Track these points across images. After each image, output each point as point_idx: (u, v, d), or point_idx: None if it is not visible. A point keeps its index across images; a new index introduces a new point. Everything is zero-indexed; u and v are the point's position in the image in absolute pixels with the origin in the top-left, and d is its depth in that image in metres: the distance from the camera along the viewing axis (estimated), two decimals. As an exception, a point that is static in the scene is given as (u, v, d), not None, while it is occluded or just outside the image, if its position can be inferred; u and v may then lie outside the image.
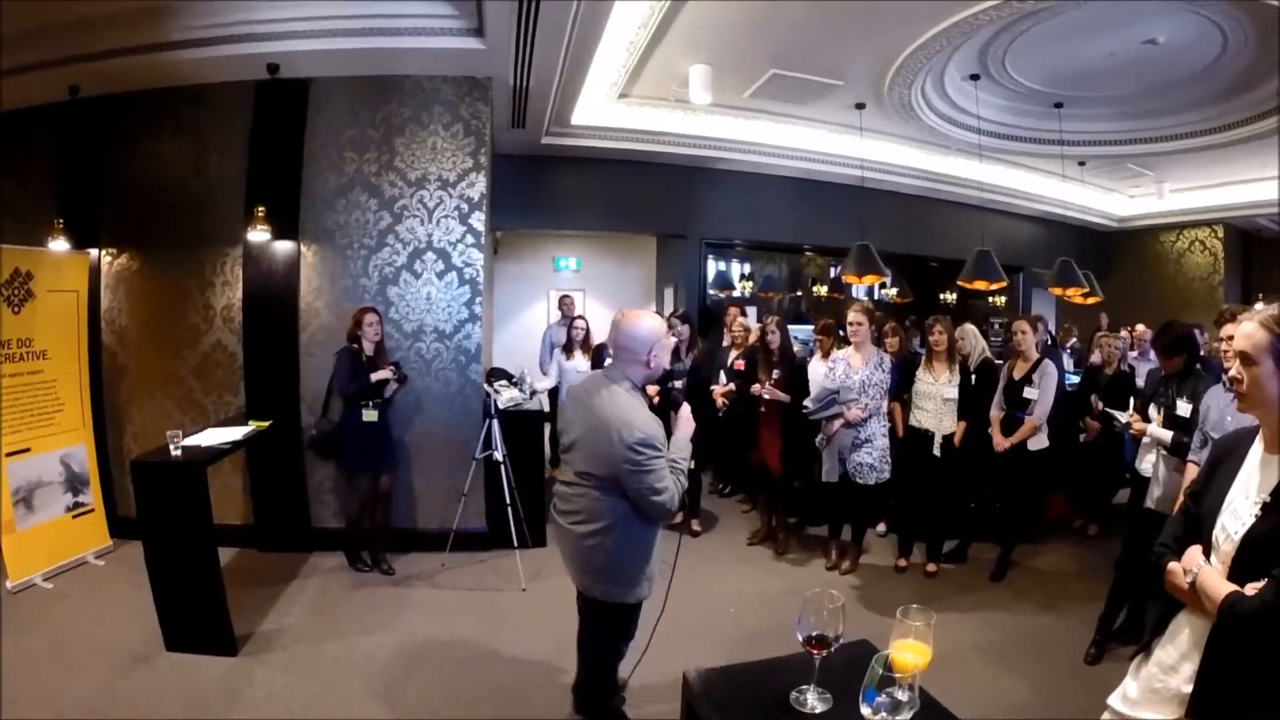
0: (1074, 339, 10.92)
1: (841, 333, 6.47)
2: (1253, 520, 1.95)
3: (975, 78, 7.62)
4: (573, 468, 3.32)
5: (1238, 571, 1.93)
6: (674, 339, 3.34)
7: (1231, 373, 2.08)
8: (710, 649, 4.67)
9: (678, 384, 6.21)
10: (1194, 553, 2.07)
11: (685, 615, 5.21)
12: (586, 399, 3.33)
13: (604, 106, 8.23)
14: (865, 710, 1.68)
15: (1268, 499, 1.94)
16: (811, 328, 8.29)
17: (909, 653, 1.86)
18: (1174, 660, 2.09)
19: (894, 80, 7.56)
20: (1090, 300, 9.86)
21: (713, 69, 7.15)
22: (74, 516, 5.99)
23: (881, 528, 7.10)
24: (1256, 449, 2.08)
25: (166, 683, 4.24)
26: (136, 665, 4.41)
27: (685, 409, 3.48)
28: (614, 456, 3.07)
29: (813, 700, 1.96)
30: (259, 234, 5.95)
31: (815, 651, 1.95)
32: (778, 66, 7.28)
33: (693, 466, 3.43)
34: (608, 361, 3.59)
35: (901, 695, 1.69)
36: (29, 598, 5.32)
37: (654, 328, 3.31)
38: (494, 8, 5.19)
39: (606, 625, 3.59)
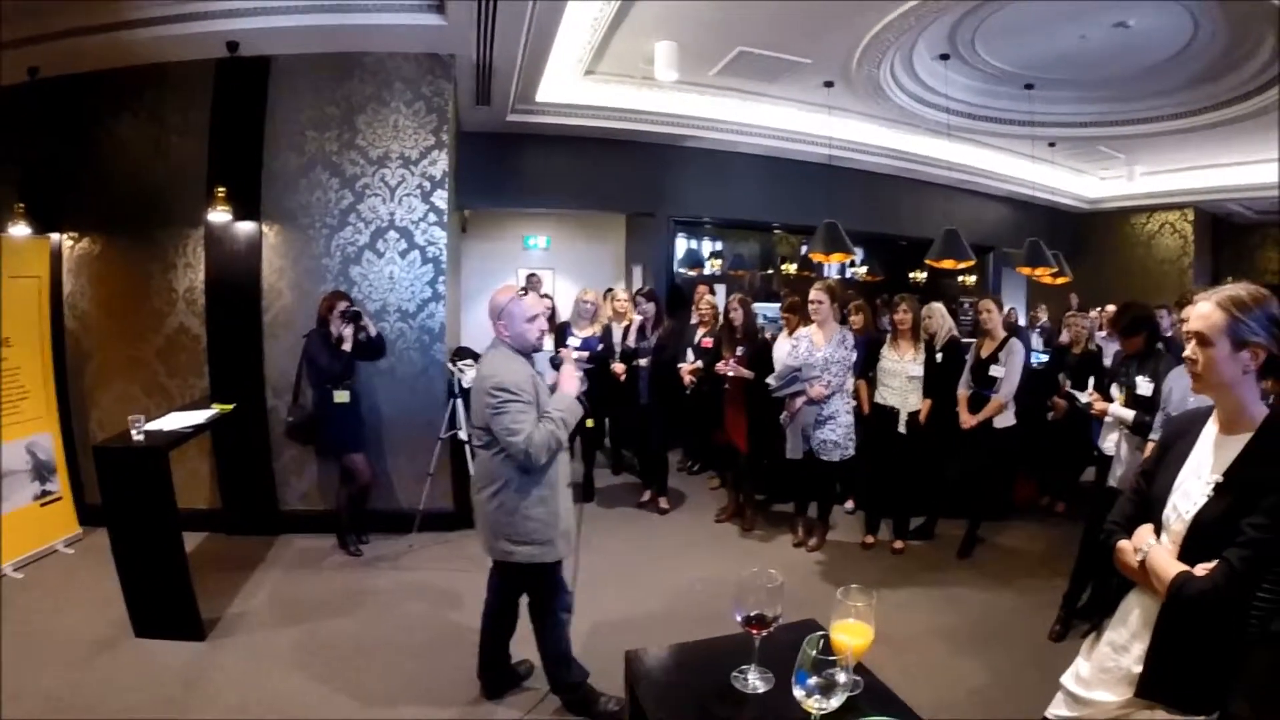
0: (1044, 319, 10.97)
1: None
2: (1204, 501, 1.96)
3: (945, 58, 7.61)
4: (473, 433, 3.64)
5: (1188, 552, 1.95)
6: (534, 302, 3.70)
7: (1186, 353, 2.07)
8: (675, 626, 4.66)
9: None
10: (1144, 531, 2.08)
11: (651, 593, 5.24)
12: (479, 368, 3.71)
13: (570, 84, 8.17)
14: (798, 693, 1.67)
15: (1220, 480, 1.95)
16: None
17: (848, 634, 1.86)
18: (1125, 640, 2.10)
19: (862, 59, 7.54)
20: (1059, 280, 9.92)
21: (679, 46, 7.11)
22: (42, 505, 5.91)
23: (849, 505, 7.16)
24: (1210, 430, 2.09)
25: (133, 669, 4.22)
26: (104, 652, 4.38)
27: (566, 368, 3.80)
28: (481, 404, 3.44)
29: (754, 680, 1.96)
30: (220, 215, 5.90)
31: (755, 631, 1.95)
32: (745, 44, 7.25)
33: (590, 425, 4.17)
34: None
35: (841, 677, 1.69)
36: (-1, 588, 5.28)
37: (499, 298, 3.62)
38: (453, -15, 5.15)
39: (535, 593, 3.79)
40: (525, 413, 3.39)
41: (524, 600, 3.89)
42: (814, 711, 1.67)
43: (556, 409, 3.52)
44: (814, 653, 1.64)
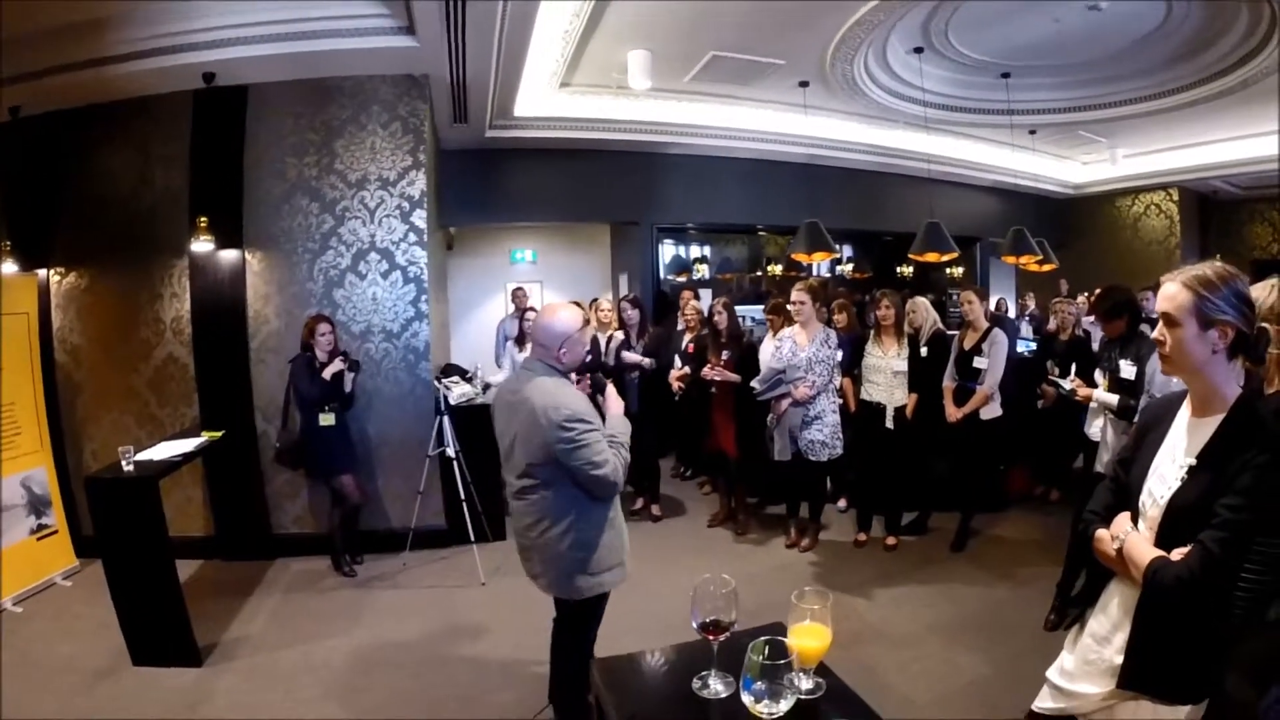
0: (1032, 306, 10.96)
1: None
2: (1179, 485, 1.93)
3: (919, 51, 7.62)
4: (516, 471, 3.30)
5: (1165, 537, 1.92)
6: (593, 331, 3.38)
7: (1154, 334, 2.03)
8: (670, 633, 4.62)
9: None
10: (1122, 520, 2.05)
11: (646, 600, 5.21)
12: (514, 397, 3.29)
13: (546, 97, 8.19)
14: (746, 699, 1.68)
15: (1193, 463, 1.92)
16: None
17: (805, 636, 1.88)
18: (1106, 631, 2.07)
19: (835, 57, 7.54)
20: (1045, 267, 9.93)
21: (651, 54, 7.12)
22: (38, 539, 5.93)
23: (842, 503, 7.18)
24: (1184, 413, 2.06)
25: (132, 697, 4.25)
26: (102, 681, 4.41)
27: (610, 389, 3.60)
28: (548, 440, 3.07)
29: (716, 685, 1.97)
30: (203, 244, 5.93)
31: (711, 637, 1.97)
32: (717, 48, 7.26)
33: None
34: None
35: (803, 682, 1.69)
36: (-1, 622, 5.31)
37: (568, 321, 3.28)
38: (422, 5, 5.16)
39: (583, 619, 3.58)
40: (602, 441, 3.15)
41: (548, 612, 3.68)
42: (763, 716, 1.68)
43: (620, 432, 3.33)
44: (758, 658, 1.66)
